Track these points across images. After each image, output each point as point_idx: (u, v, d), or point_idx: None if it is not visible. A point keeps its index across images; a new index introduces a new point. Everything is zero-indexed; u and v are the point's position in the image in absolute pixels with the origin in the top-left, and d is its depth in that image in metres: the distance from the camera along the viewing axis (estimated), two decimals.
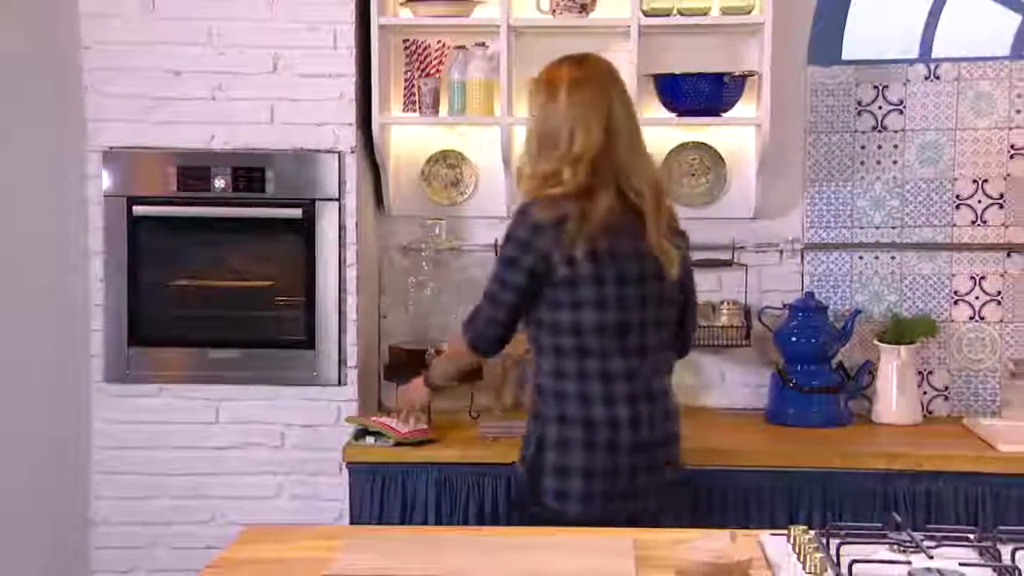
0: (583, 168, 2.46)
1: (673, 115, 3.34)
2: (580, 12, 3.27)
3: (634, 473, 2.49)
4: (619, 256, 2.47)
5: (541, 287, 2.48)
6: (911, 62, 3.44)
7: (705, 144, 3.46)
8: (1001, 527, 2.07)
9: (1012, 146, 3.41)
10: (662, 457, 2.54)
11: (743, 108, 3.33)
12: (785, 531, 2.07)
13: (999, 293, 3.44)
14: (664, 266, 2.51)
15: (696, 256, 3.43)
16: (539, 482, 2.51)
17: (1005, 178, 3.42)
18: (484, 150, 3.46)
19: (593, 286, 2.46)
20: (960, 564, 1.89)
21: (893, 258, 3.46)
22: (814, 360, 3.32)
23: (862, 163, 3.46)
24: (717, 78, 3.25)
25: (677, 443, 2.60)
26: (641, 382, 2.51)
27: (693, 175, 3.48)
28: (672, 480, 2.58)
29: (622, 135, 2.50)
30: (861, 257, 3.47)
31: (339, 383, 3.21)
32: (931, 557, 1.92)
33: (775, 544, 2.06)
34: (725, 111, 3.31)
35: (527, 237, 2.47)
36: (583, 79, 2.52)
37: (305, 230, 3.20)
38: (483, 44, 3.33)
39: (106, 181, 3.22)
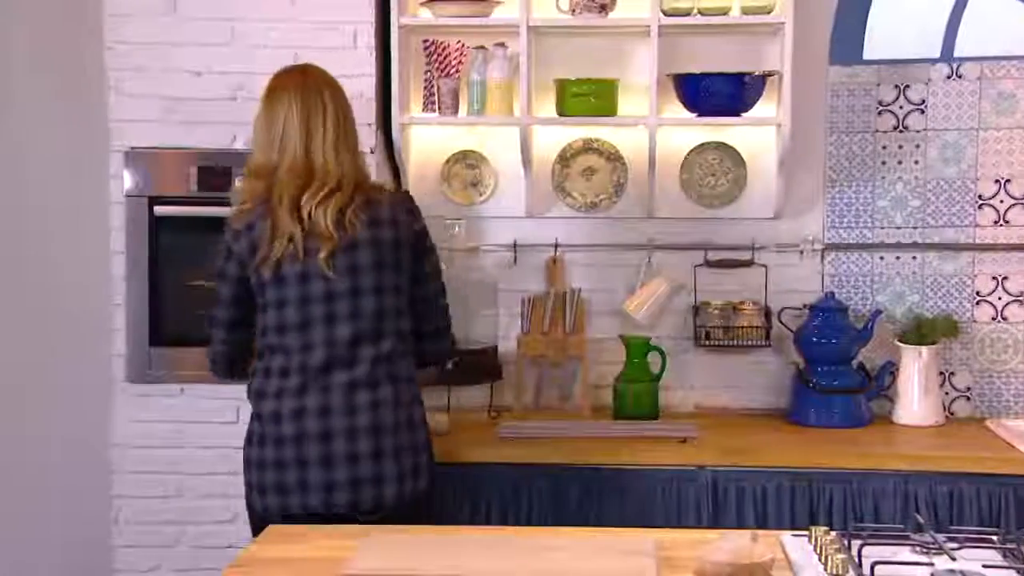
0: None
1: (693, 115, 3.34)
2: (600, 12, 3.27)
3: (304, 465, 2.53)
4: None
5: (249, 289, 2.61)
6: (933, 61, 3.42)
7: (725, 144, 3.46)
8: None
9: None
10: (343, 450, 2.52)
11: (763, 108, 3.32)
12: (806, 532, 2.07)
13: (1022, 293, 3.42)
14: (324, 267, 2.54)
15: (716, 256, 3.46)
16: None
17: None
18: (503, 150, 3.47)
19: (273, 288, 2.56)
20: (983, 566, 1.88)
21: (915, 258, 3.45)
22: (835, 361, 3.31)
23: (883, 163, 3.45)
24: (737, 78, 3.25)
25: (371, 438, 2.55)
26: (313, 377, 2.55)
27: (713, 175, 3.47)
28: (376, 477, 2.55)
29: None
30: (882, 257, 3.46)
31: None
32: (954, 559, 1.91)
33: (796, 545, 2.06)
34: (745, 111, 3.30)
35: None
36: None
37: None
38: (502, 44, 3.33)
39: (128, 181, 3.24)
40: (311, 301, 2.55)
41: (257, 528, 2.55)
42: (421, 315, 2.71)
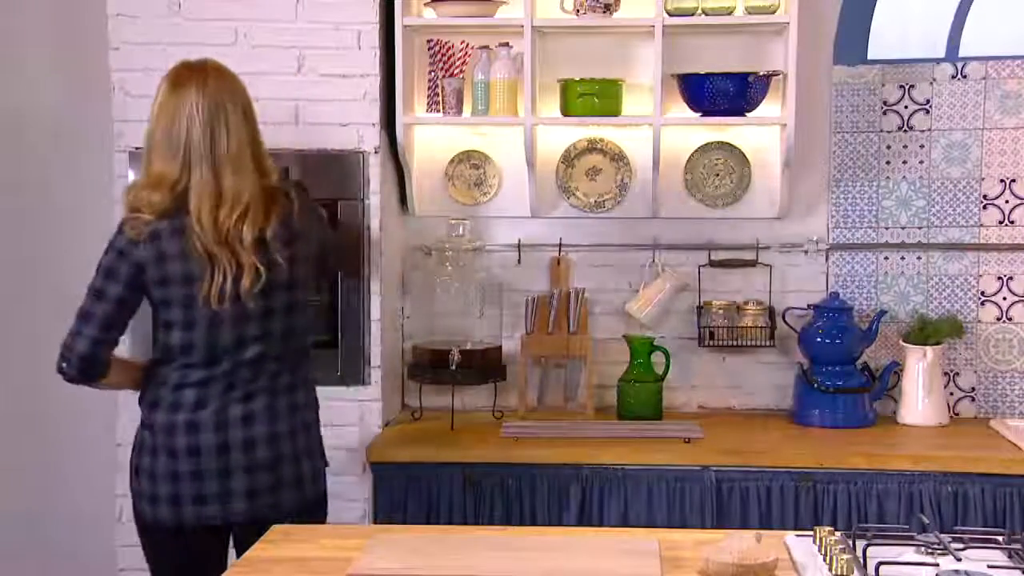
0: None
1: (698, 115, 3.33)
2: (604, 12, 3.27)
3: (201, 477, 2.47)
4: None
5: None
6: (937, 61, 3.42)
7: (730, 144, 3.45)
8: None
9: None
10: (241, 461, 2.47)
11: (768, 108, 3.32)
12: (811, 532, 2.06)
13: None
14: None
15: (720, 256, 3.46)
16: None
17: None
18: (508, 150, 3.47)
19: (181, 308, 2.47)
20: (988, 566, 1.88)
21: (919, 258, 3.44)
22: (839, 361, 3.30)
23: (888, 163, 3.44)
24: (742, 78, 3.24)
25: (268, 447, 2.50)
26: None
27: (717, 175, 3.47)
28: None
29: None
30: (887, 257, 3.46)
31: (362, 383, 3.22)
32: (959, 559, 1.91)
33: (801, 545, 2.06)
34: (750, 111, 3.30)
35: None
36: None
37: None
38: (507, 44, 3.33)
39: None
40: (222, 323, 2.45)
41: (146, 536, 2.53)
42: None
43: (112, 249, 2.50)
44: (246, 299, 2.45)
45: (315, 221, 2.64)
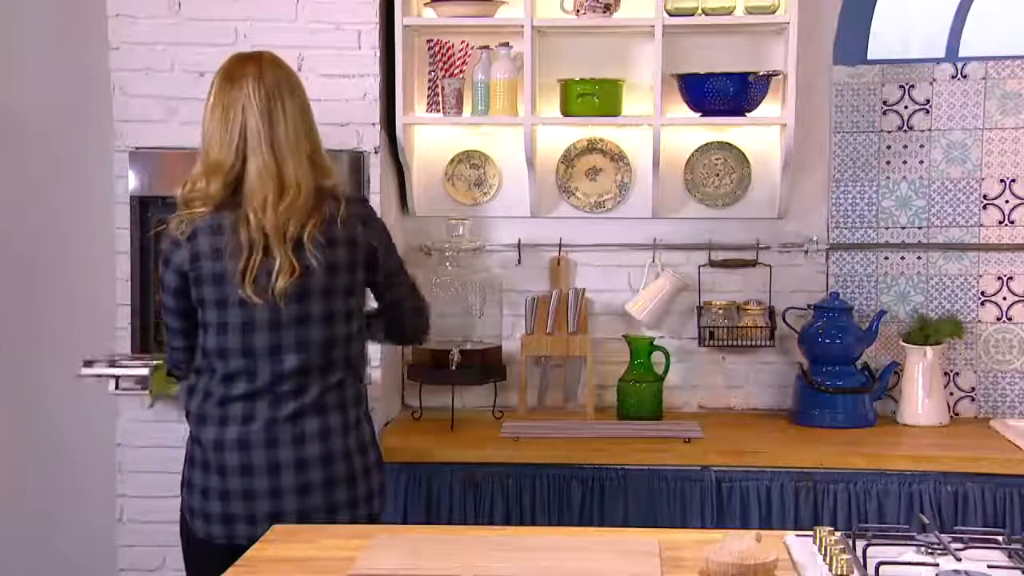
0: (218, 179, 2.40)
1: (698, 115, 3.34)
2: (604, 12, 3.27)
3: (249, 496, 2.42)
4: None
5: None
6: (937, 61, 3.42)
7: (729, 144, 3.45)
8: None
9: None
10: (293, 481, 2.41)
11: (768, 108, 3.32)
12: (811, 532, 2.06)
13: None
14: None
15: (720, 256, 3.46)
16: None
17: None
18: (508, 150, 3.47)
19: (215, 308, 2.42)
20: (988, 567, 1.88)
21: (919, 258, 3.44)
22: (839, 361, 3.30)
23: (888, 163, 3.44)
24: (742, 78, 3.24)
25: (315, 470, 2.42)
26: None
27: (717, 175, 3.47)
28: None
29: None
30: (887, 257, 3.46)
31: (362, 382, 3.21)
32: (959, 559, 1.91)
33: (801, 545, 2.05)
34: (750, 111, 3.30)
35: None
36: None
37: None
38: (507, 44, 3.33)
39: (132, 181, 3.23)
40: (255, 328, 2.39)
41: (194, 550, 2.48)
42: (393, 318, 2.62)
43: (160, 259, 2.49)
44: (279, 298, 2.37)
45: (373, 232, 2.50)
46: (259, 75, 2.41)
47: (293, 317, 2.41)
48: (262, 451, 2.41)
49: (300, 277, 2.38)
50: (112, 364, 2.99)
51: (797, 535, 2.12)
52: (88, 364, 2.99)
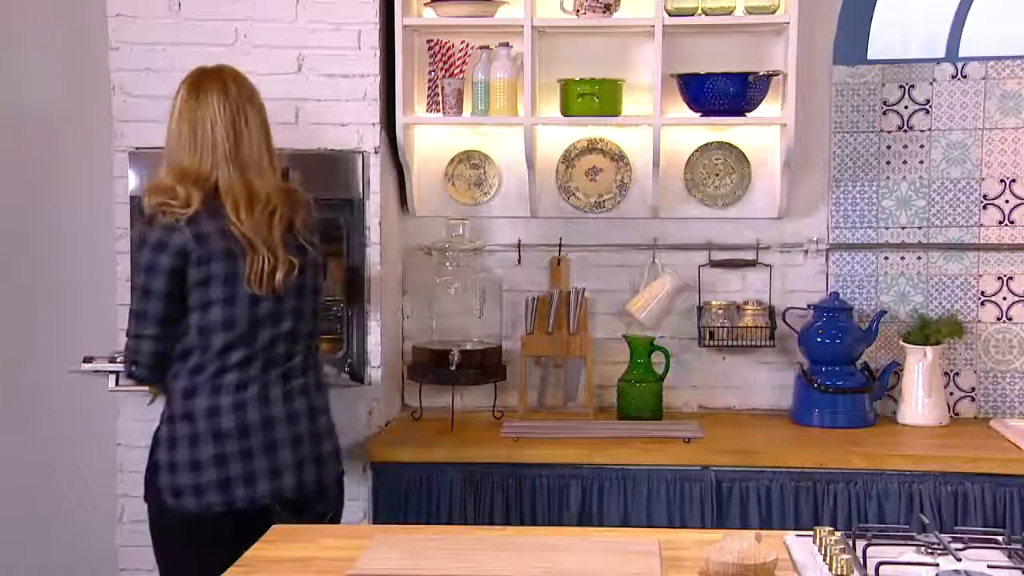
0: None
1: (698, 115, 3.33)
2: (604, 12, 3.27)
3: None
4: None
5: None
6: (937, 61, 3.42)
7: (730, 144, 3.45)
8: None
9: None
10: (287, 434, 2.56)
11: (768, 108, 3.32)
12: (811, 532, 2.06)
13: None
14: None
15: (720, 256, 3.46)
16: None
17: None
18: (508, 150, 3.47)
19: (222, 306, 2.52)
20: (988, 566, 1.88)
21: (919, 258, 3.44)
22: (839, 361, 3.30)
23: (888, 163, 3.44)
24: (742, 78, 3.24)
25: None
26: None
27: (717, 175, 3.47)
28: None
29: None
30: (887, 257, 3.46)
31: (363, 383, 3.22)
32: (959, 559, 1.91)
33: (801, 545, 2.06)
34: (750, 111, 3.30)
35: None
36: None
37: (329, 230, 3.20)
38: (507, 44, 3.33)
39: (132, 182, 3.23)
40: (261, 297, 2.51)
41: (190, 533, 2.49)
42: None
43: (147, 245, 2.51)
44: (280, 290, 2.52)
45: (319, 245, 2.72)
46: (224, 91, 2.55)
47: (293, 287, 2.57)
48: (256, 411, 2.51)
49: (298, 269, 2.56)
50: (112, 360, 3.01)
51: (797, 535, 2.13)
52: (88, 360, 3.04)
